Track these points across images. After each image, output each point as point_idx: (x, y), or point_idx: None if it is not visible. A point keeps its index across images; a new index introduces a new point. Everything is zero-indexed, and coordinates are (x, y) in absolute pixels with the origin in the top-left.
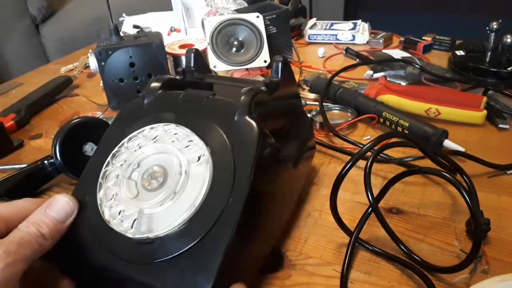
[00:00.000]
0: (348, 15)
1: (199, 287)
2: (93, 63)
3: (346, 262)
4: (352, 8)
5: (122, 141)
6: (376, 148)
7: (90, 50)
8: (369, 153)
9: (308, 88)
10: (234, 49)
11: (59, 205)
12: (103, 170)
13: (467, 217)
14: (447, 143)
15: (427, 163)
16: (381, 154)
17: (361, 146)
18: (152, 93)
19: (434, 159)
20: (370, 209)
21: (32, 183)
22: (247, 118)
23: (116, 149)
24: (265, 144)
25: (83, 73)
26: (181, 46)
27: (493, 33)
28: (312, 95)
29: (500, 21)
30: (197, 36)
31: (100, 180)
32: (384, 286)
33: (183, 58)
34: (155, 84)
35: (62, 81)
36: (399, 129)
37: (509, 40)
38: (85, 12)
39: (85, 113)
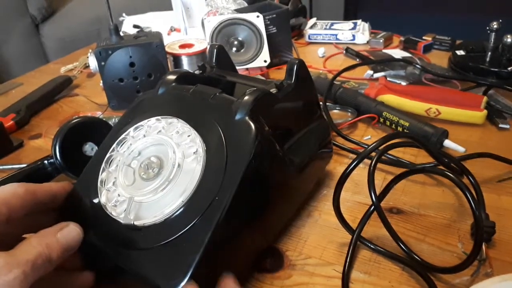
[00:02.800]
0: (348, 15)
1: (175, 280)
2: (93, 63)
3: (348, 259)
4: (352, 8)
5: (129, 129)
6: (380, 148)
7: (90, 50)
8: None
9: None
10: (234, 49)
11: (71, 234)
12: (108, 155)
13: (473, 219)
14: (447, 143)
15: (424, 162)
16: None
17: (365, 146)
18: (166, 85)
19: (440, 160)
20: (372, 207)
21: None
22: (247, 119)
23: (122, 136)
24: (262, 146)
25: (83, 73)
26: (181, 46)
27: (493, 33)
28: None
29: (500, 20)
30: (197, 36)
31: (103, 164)
32: (384, 286)
33: (183, 58)
34: (170, 77)
35: (62, 81)
36: (399, 129)
37: (509, 40)
38: (85, 12)
39: (85, 113)
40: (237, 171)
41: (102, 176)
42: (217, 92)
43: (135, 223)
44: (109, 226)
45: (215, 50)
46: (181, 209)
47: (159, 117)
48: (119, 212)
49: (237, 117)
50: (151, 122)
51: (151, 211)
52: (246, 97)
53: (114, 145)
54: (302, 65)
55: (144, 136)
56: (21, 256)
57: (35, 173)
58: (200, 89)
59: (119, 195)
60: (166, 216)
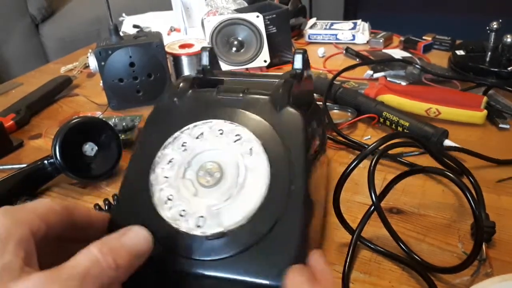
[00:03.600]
0: (348, 15)
1: (282, 270)
2: (93, 63)
3: (348, 259)
4: (352, 8)
5: (166, 142)
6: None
7: (90, 50)
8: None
9: None
10: (234, 49)
11: (138, 237)
12: (152, 174)
13: (473, 219)
14: (447, 143)
15: (426, 162)
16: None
17: (365, 146)
18: (183, 93)
19: (440, 160)
20: (373, 207)
21: (32, 183)
22: (290, 108)
23: (160, 152)
24: (310, 130)
25: (83, 73)
26: (181, 46)
27: (493, 33)
28: None
29: (500, 20)
30: (197, 36)
31: (152, 183)
32: (384, 286)
33: (183, 58)
34: (184, 84)
35: (62, 81)
36: (399, 129)
37: (509, 39)
38: (85, 12)
39: (85, 113)
40: (300, 158)
41: (156, 196)
42: (244, 89)
43: (220, 231)
44: (183, 242)
45: (208, 53)
46: (262, 205)
47: (196, 123)
48: (192, 226)
49: (279, 108)
50: (188, 130)
51: (230, 216)
52: (281, 89)
53: (156, 160)
54: (306, 53)
55: (185, 145)
56: (67, 271)
57: (35, 173)
58: (225, 89)
59: (184, 210)
60: (249, 216)
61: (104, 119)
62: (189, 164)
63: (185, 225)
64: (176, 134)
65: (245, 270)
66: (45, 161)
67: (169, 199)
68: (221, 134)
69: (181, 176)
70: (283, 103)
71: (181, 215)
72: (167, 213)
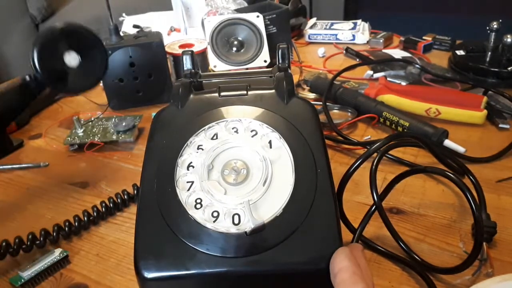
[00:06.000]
0: (348, 15)
1: (328, 253)
2: None
3: None
4: (352, 7)
5: (182, 148)
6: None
7: None
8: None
9: (308, 88)
10: (234, 48)
11: None
12: (176, 181)
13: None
14: (447, 143)
15: (425, 162)
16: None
17: (366, 147)
18: (185, 98)
19: (443, 160)
20: (374, 207)
21: (15, 104)
22: (297, 99)
23: (180, 157)
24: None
25: None
26: (181, 46)
27: (493, 33)
28: (312, 95)
29: (500, 20)
30: (197, 36)
31: (179, 191)
32: (384, 286)
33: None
34: (184, 90)
35: None
36: (399, 129)
37: (509, 40)
38: (85, 12)
39: (85, 113)
40: (318, 143)
41: (184, 201)
42: (246, 86)
43: (261, 224)
44: (222, 242)
45: (190, 56)
46: (294, 193)
47: (209, 125)
48: (230, 224)
49: (286, 100)
50: (202, 133)
51: (264, 209)
52: (285, 82)
53: (178, 168)
54: (287, 47)
55: (202, 148)
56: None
57: (18, 91)
58: (226, 88)
59: (216, 210)
60: (284, 206)
61: (88, 29)
62: (211, 165)
63: (222, 225)
64: (190, 139)
65: (289, 260)
66: (26, 76)
67: (198, 203)
68: (236, 132)
69: (206, 178)
70: (289, 95)
71: (214, 216)
72: (200, 216)
